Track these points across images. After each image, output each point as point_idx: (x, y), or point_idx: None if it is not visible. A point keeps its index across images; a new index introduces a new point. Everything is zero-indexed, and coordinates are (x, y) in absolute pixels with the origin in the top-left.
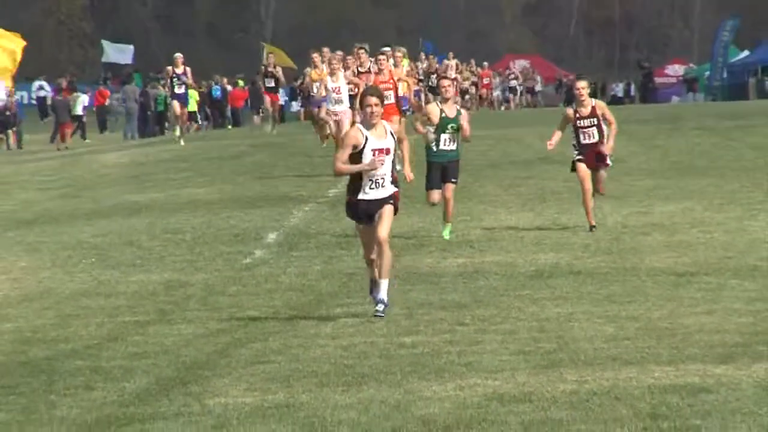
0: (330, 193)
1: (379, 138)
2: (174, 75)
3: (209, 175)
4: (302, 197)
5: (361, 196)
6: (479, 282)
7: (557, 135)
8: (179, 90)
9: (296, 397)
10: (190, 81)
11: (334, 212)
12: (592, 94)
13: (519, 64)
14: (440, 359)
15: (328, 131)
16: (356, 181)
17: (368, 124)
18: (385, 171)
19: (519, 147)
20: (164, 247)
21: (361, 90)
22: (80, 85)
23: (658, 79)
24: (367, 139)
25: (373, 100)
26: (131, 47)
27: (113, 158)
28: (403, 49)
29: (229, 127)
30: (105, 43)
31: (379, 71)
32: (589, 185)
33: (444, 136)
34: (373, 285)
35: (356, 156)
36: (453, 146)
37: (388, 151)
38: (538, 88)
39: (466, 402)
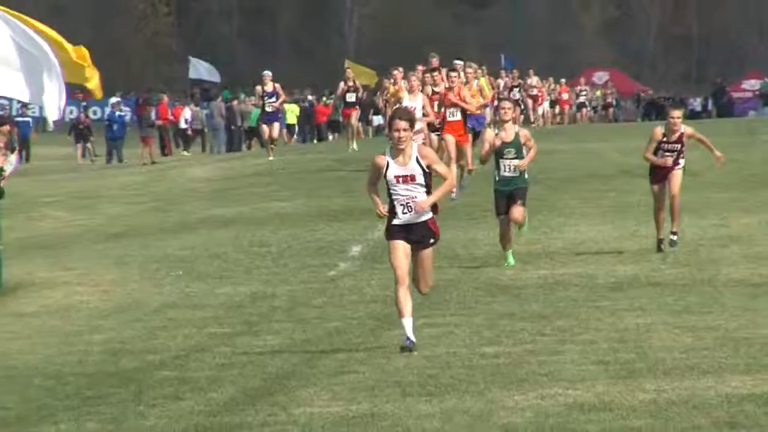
0: None
1: (402, 165)
2: (264, 94)
3: (294, 188)
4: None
5: (395, 222)
6: (559, 293)
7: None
8: (269, 109)
9: (380, 406)
10: (282, 98)
11: None
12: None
13: (599, 77)
14: (521, 369)
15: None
16: (393, 205)
17: (395, 149)
18: (414, 195)
19: (598, 160)
20: (250, 260)
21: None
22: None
23: (735, 94)
24: (388, 164)
25: (402, 124)
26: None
27: (199, 173)
28: (474, 66)
29: (314, 141)
30: (193, 60)
31: (450, 88)
32: (661, 203)
33: (504, 162)
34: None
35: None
36: (517, 172)
37: (413, 179)
38: (609, 100)
39: (547, 411)
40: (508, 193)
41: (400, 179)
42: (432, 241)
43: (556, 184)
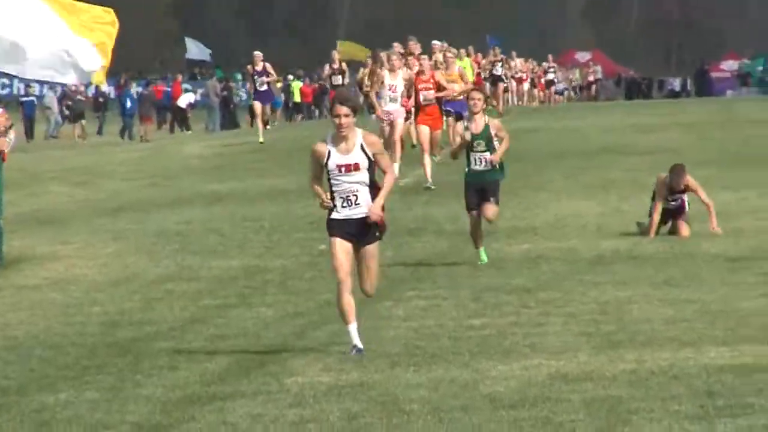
0: (401, 183)
1: (345, 152)
2: (254, 73)
3: (287, 165)
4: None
5: (334, 215)
6: (543, 267)
7: (657, 212)
8: (261, 88)
9: (369, 376)
10: (273, 76)
11: (405, 202)
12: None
13: (581, 56)
14: (506, 340)
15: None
16: (332, 197)
17: (336, 136)
18: (356, 188)
19: (580, 138)
20: (244, 235)
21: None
22: (163, 81)
23: (714, 74)
24: (329, 153)
25: (344, 110)
26: (207, 50)
27: (195, 150)
28: (454, 50)
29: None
30: (188, 41)
31: (420, 71)
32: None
33: (474, 155)
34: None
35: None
36: (489, 166)
37: (356, 167)
38: (590, 78)
39: (531, 381)
40: (479, 187)
41: (342, 168)
42: (377, 234)
43: (539, 161)
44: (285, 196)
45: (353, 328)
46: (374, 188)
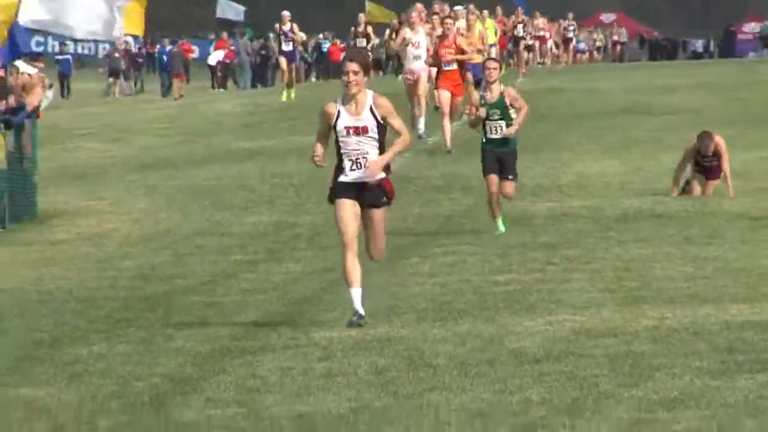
0: (429, 141)
1: (355, 114)
2: (281, 32)
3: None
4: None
5: (341, 179)
6: (568, 224)
7: (681, 171)
8: (286, 47)
9: (396, 331)
10: (298, 37)
11: (432, 159)
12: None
13: (606, 17)
14: (531, 296)
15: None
16: (340, 160)
17: (346, 96)
18: (365, 149)
19: (603, 98)
20: (273, 191)
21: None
22: (194, 41)
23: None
24: (339, 113)
25: (353, 66)
26: (242, 8)
27: (226, 107)
28: (476, 12)
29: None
30: (220, 0)
31: (444, 35)
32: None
33: (490, 124)
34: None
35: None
36: (503, 135)
37: (365, 130)
38: (615, 38)
39: (555, 336)
40: (497, 157)
41: (351, 130)
42: (384, 200)
43: (563, 121)
44: None
45: (357, 293)
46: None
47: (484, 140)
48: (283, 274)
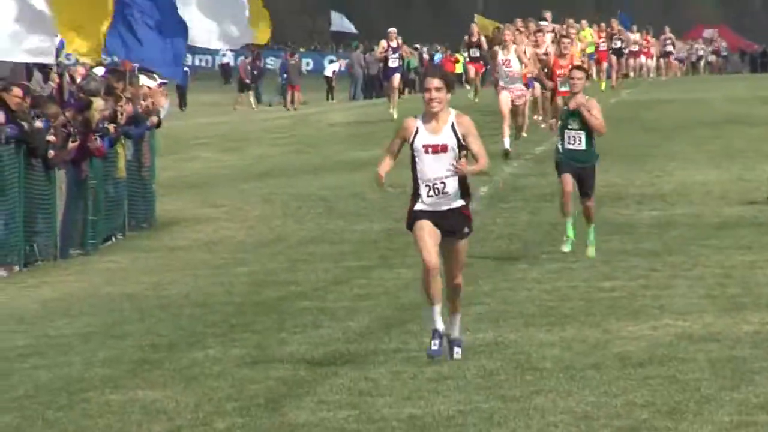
0: (537, 150)
1: (434, 132)
2: (389, 48)
3: None
4: (511, 154)
5: (418, 207)
6: (670, 232)
7: None
8: (393, 64)
9: (504, 335)
10: (405, 53)
11: (540, 168)
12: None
13: (708, 33)
14: (635, 302)
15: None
16: (416, 185)
17: (427, 114)
18: (443, 175)
19: (705, 109)
20: (385, 199)
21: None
22: (306, 53)
23: None
24: (417, 130)
25: (435, 83)
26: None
27: (339, 118)
28: (577, 26)
29: None
30: (333, 14)
31: (562, 55)
32: None
33: (568, 133)
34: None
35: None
36: (581, 146)
37: (444, 148)
38: (716, 47)
39: (659, 341)
40: (574, 170)
41: (429, 149)
42: (467, 230)
43: (666, 132)
44: None
45: (438, 309)
46: (464, 185)
47: (560, 150)
48: (395, 279)
